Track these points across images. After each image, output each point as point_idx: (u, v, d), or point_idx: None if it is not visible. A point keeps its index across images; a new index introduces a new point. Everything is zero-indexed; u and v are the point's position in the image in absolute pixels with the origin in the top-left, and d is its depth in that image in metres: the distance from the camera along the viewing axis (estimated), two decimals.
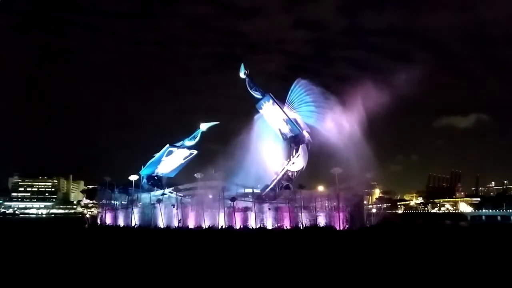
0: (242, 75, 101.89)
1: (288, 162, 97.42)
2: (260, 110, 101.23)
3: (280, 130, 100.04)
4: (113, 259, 41.17)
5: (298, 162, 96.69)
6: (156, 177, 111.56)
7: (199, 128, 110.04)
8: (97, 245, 57.87)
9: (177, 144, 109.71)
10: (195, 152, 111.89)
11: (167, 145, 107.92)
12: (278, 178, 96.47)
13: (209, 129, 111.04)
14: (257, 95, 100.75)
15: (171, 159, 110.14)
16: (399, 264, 36.57)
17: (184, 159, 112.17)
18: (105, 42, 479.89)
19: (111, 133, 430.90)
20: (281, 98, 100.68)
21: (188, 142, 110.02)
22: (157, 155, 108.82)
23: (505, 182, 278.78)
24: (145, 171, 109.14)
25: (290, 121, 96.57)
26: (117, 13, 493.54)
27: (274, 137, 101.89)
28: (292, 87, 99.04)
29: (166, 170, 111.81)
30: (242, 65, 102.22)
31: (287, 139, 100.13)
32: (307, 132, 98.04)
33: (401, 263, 37.27)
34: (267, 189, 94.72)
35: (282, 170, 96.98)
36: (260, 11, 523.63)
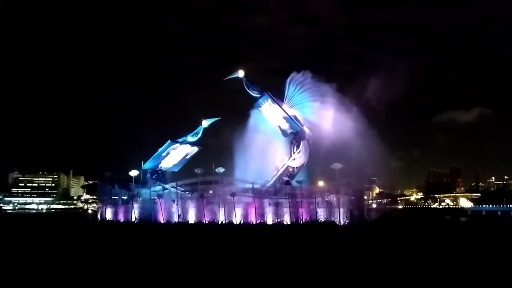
0: (239, 75, 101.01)
1: (289, 158, 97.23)
2: (259, 108, 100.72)
3: (280, 127, 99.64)
4: (119, 253, 41.12)
5: (299, 158, 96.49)
6: (160, 171, 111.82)
7: (201, 124, 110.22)
8: (102, 240, 57.98)
9: (179, 140, 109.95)
10: (196, 149, 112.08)
11: (169, 140, 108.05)
12: (278, 173, 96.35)
13: (211, 125, 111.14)
14: (255, 94, 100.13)
15: (174, 154, 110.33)
16: (399, 259, 36.40)
17: (187, 154, 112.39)
18: (106, 37, 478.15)
19: (112, 128, 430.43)
20: (281, 94, 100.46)
21: (190, 138, 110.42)
22: (160, 150, 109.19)
23: (505, 177, 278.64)
24: (147, 165, 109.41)
25: (290, 119, 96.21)
26: (117, 9, 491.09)
27: (274, 132, 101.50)
28: (288, 81, 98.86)
29: (169, 164, 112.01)
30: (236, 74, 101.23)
31: (287, 136, 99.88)
32: (307, 128, 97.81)
33: (401, 258, 37.11)
34: (268, 185, 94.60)
35: (283, 166, 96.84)
36: (260, 7, 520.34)
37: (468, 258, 37.62)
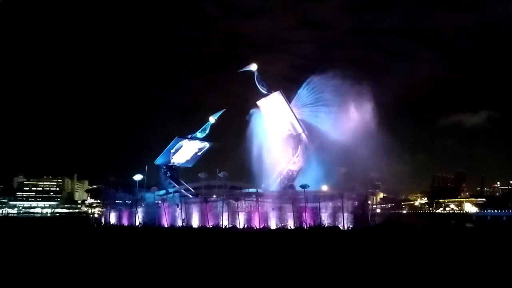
0: (252, 68, 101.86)
1: (289, 161, 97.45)
2: (261, 107, 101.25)
3: (279, 128, 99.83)
4: (124, 257, 41.23)
5: (298, 161, 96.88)
6: (173, 167, 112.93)
7: (209, 121, 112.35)
8: (106, 244, 58.20)
9: (188, 136, 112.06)
10: (207, 144, 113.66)
11: (176, 137, 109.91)
12: (280, 177, 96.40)
13: (218, 119, 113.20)
14: (263, 90, 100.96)
15: (184, 150, 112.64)
16: (403, 264, 36.25)
17: (199, 150, 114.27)
18: (108, 42, 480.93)
19: (116, 132, 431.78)
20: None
21: (199, 134, 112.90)
22: (168, 146, 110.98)
23: (511, 182, 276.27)
24: (159, 161, 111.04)
25: (296, 120, 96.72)
26: (120, 13, 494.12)
27: (276, 136, 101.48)
28: (303, 86, 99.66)
29: (181, 160, 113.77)
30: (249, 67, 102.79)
31: (284, 138, 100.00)
32: (304, 133, 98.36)
33: (405, 263, 36.95)
34: (271, 189, 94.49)
35: (284, 169, 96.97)
36: (264, 12, 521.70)
37: (473, 264, 37.38)
